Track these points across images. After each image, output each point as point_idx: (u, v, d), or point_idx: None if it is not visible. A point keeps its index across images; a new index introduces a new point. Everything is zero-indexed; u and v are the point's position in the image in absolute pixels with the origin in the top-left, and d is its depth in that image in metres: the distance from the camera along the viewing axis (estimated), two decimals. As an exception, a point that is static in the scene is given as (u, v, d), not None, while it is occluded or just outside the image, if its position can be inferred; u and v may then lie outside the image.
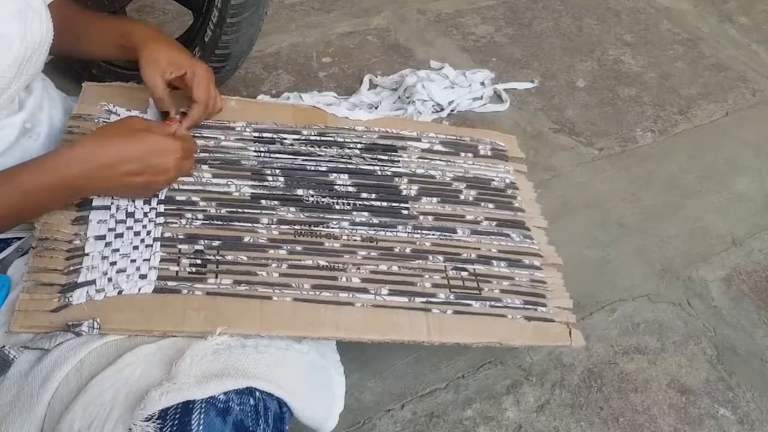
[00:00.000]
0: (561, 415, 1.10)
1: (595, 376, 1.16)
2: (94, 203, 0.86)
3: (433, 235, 0.99)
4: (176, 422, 0.64)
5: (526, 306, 0.96)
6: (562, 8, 2.09)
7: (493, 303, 0.94)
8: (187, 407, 0.66)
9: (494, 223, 1.04)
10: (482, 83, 1.73)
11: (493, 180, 1.11)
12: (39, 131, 0.89)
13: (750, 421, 1.12)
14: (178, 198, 0.90)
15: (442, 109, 1.63)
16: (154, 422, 0.64)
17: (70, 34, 0.94)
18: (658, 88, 1.82)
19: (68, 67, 1.49)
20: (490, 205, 1.07)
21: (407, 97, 1.63)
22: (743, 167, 1.60)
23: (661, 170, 1.57)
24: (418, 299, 0.90)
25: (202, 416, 0.65)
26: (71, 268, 0.80)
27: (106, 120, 0.96)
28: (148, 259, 0.83)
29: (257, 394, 0.71)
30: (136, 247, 0.84)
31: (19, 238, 0.84)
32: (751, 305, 1.30)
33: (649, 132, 1.68)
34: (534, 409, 1.11)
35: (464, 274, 0.96)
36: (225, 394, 0.68)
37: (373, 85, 1.70)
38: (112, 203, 0.87)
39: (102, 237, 0.83)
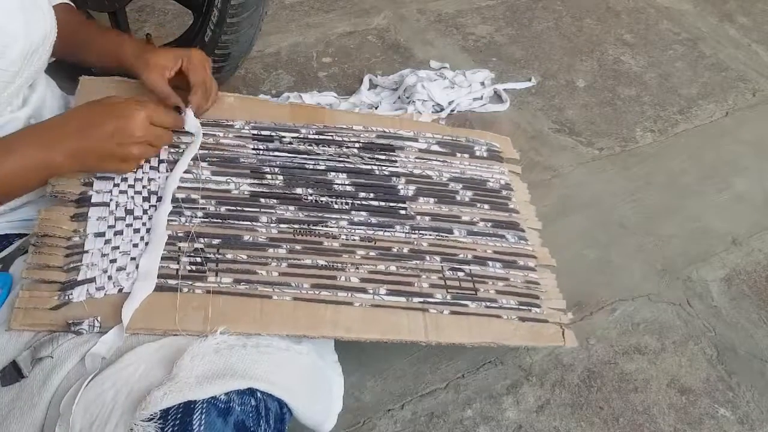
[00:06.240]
0: (561, 415, 1.10)
1: (595, 376, 1.16)
2: (93, 200, 0.86)
3: (430, 235, 1.00)
4: (177, 422, 0.64)
5: (521, 307, 0.98)
6: (562, 8, 2.09)
7: (488, 303, 0.96)
8: (188, 407, 0.66)
9: (490, 224, 1.06)
10: (482, 83, 1.73)
11: (489, 181, 1.12)
12: None
13: (750, 421, 1.12)
14: (177, 195, 0.90)
15: (442, 109, 1.63)
16: (155, 422, 0.64)
17: (71, 40, 0.96)
18: (658, 88, 1.82)
19: (66, 65, 1.48)
20: (486, 206, 1.08)
21: (407, 97, 1.63)
22: (743, 167, 1.60)
23: (661, 170, 1.57)
24: (416, 299, 0.91)
25: (203, 416, 0.65)
26: (71, 265, 0.80)
27: None
28: None
29: (258, 394, 0.71)
30: (135, 245, 0.84)
31: (21, 236, 0.85)
32: (751, 305, 1.30)
33: (649, 132, 1.68)
34: (534, 409, 1.11)
35: (460, 274, 0.97)
36: (226, 394, 0.68)
37: (373, 85, 1.70)
38: (111, 200, 0.86)
39: (101, 234, 0.83)
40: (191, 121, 0.95)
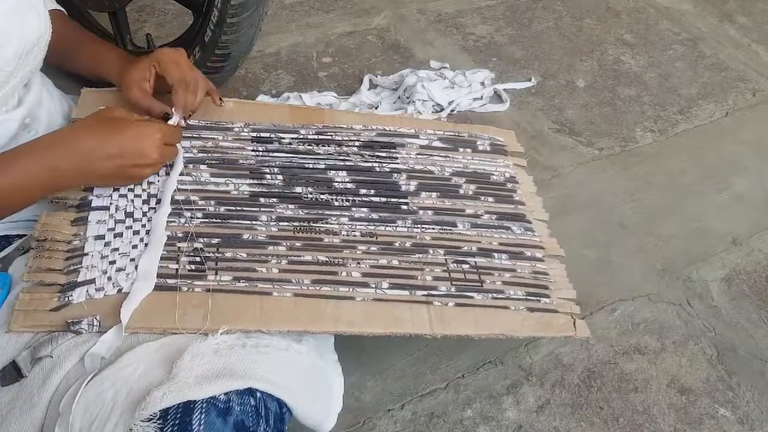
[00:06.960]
0: (561, 415, 1.10)
1: (595, 376, 1.16)
2: (94, 204, 0.86)
3: (433, 229, 0.99)
4: (177, 422, 0.64)
5: (529, 297, 0.96)
6: (562, 8, 2.09)
7: (495, 295, 0.94)
8: (188, 407, 0.66)
9: (494, 217, 1.04)
10: (482, 83, 1.73)
11: (493, 174, 1.11)
12: (38, 126, 0.89)
13: (750, 421, 1.12)
14: (176, 197, 0.90)
15: (442, 109, 1.63)
16: (155, 422, 0.64)
17: (61, 48, 0.96)
18: (658, 88, 1.82)
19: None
20: (490, 199, 1.07)
21: (407, 97, 1.63)
22: (743, 167, 1.61)
23: (661, 170, 1.57)
24: (419, 292, 0.90)
25: (203, 416, 0.65)
26: (71, 267, 0.80)
27: None
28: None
29: (258, 394, 0.71)
30: (135, 246, 0.84)
31: (20, 236, 0.85)
32: (751, 305, 1.30)
33: (649, 132, 1.68)
34: (534, 409, 1.11)
35: (465, 267, 0.95)
36: (225, 394, 0.69)
37: (373, 85, 1.70)
38: (111, 204, 0.87)
39: (101, 237, 0.83)
40: (174, 122, 0.94)
